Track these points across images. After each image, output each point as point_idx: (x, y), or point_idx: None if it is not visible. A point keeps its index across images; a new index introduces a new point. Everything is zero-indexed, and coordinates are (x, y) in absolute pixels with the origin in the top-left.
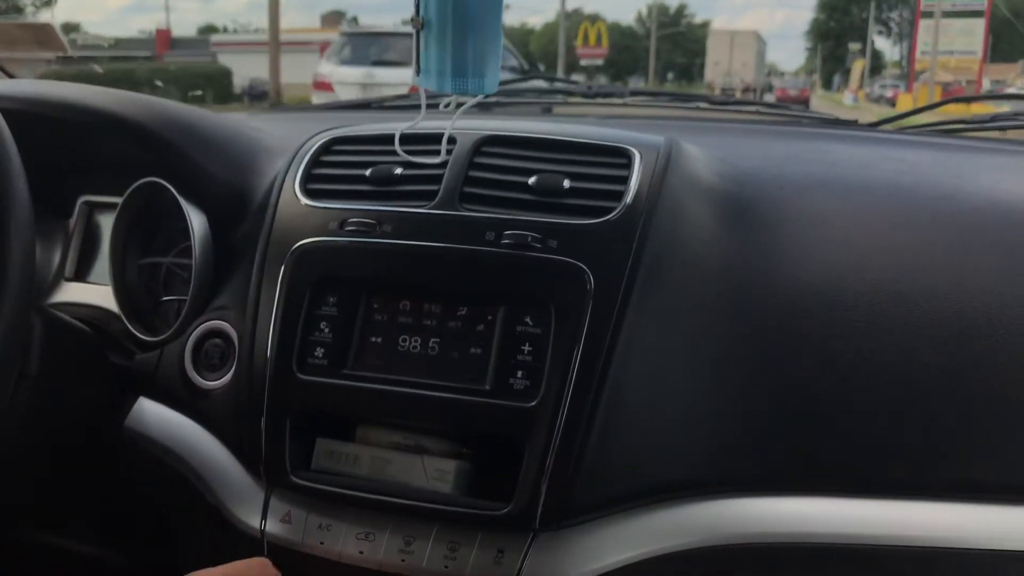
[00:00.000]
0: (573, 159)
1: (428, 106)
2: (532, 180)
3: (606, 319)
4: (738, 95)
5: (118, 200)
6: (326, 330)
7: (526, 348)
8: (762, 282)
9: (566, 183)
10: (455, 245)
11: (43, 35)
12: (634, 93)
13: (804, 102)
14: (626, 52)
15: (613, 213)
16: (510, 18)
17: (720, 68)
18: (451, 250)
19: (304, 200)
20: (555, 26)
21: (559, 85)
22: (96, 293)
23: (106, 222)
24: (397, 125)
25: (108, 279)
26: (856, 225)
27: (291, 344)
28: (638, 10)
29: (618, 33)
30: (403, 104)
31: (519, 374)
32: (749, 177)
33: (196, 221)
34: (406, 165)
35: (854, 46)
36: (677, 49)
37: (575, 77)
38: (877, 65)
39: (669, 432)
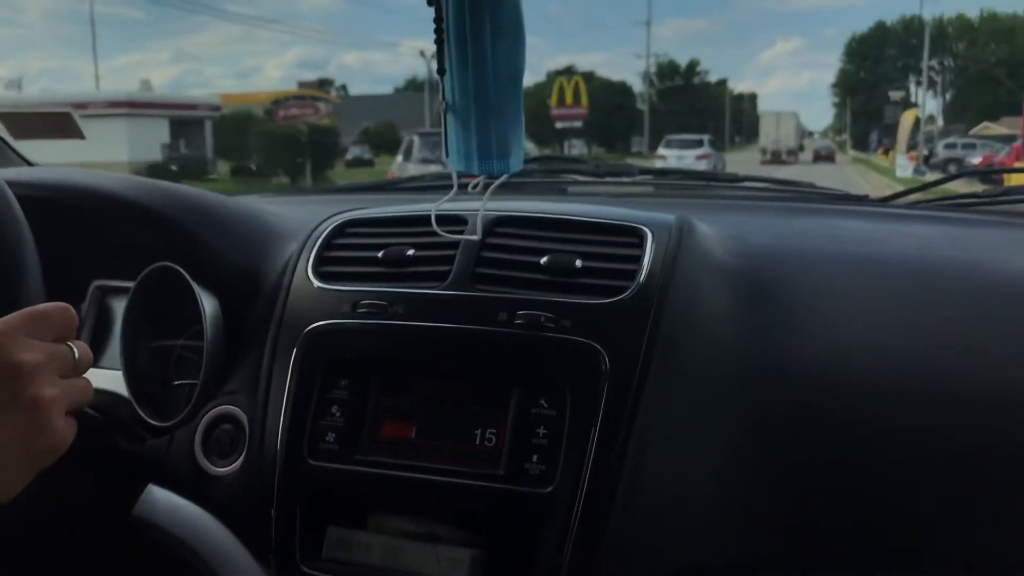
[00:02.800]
0: (585, 238)
1: (446, 187)
2: (544, 260)
3: (623, 401)
4: (784, 155)
5: (130, 284)
6: (337, 414)
7: (541, 431)
8: (778, 360)
9: (578, 263)
10: (468, 326)
11: (62, 123)
12: (643, 172)
13: (830, 158)
14: (617, 113)
15: (627, 292)
16: None
17: (769, 138)
18: (463, 331)
19: (316, 283)
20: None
21: (573, 165)
22: (107, 377)
23: (118, 306)
24: (418, 207)
25: (119, 363)
26: (869, 301)
27: (302, 429)
28: (647, 65)
29: (608, 91)
30: (417, 186)
31: (534, 458)
32: (761, 254)
33: (208, 305)
34: (418, 246)
35: (895, 94)
36: (689, 110)
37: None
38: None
39: (693, 514)
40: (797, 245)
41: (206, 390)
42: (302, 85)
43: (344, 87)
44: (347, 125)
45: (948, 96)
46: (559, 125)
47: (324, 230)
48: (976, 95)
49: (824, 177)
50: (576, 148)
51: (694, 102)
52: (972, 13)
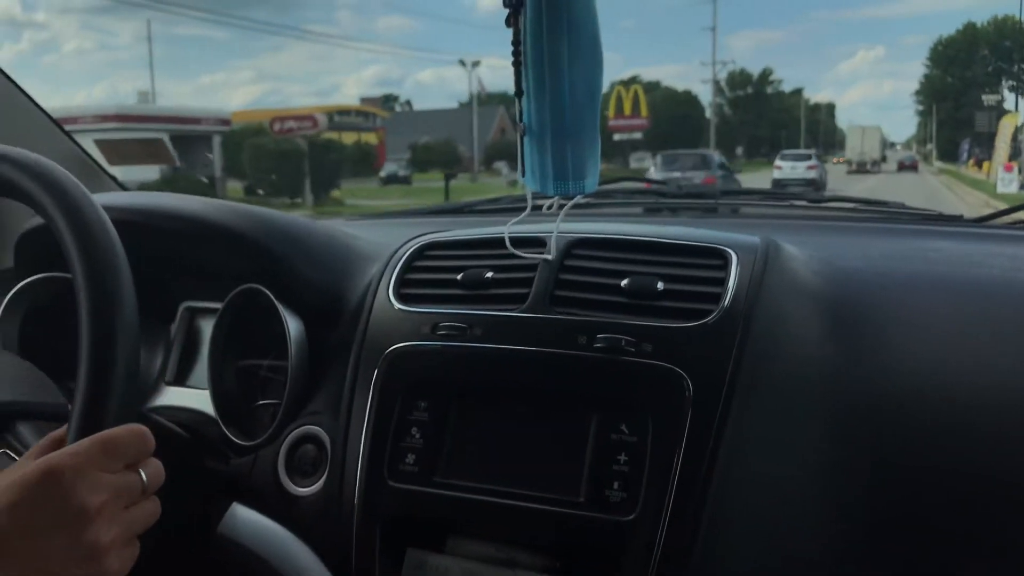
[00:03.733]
0: (666, 260)
1: (522, 208)
2: (624, 282)
3: (707, 427)
4: (869, 166)
5: (218, 305)
6: (417, 436)
7: (622, 457)
8: (868, 387)
9: (660, 285)
10: (547, 349)
11: (155, 149)
12: (725, 193)
13: (913, 168)
14: (682, 123)
15: (711, 316)
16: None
17: (855, 150)
18: (543, 354)
19: (397, 305)
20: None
21: (653, 187)
22: (194, 397)
23: (206, 327)
24: (496, 229)
25: (206, 383)
26: (966, 326)
27: (383, 450)
28: (712, 72)
29: (673, 101)
30: (497, 207)
31: (615, 485)
32: (850, 277)
33: (293, 326)
34: (497, 268)
35: (990, 98)
36: (760, 119)
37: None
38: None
39: (779, 545)
40: (887, 267)
41: (290, 410)
42: (364, 101)
43: (408, 102)
44: (401, 141)
45: None
46: (617, 137)
47: (404, 253)
48: None
49: (907, 187)
50: (640, 161)
51: (766, 112)
52: None
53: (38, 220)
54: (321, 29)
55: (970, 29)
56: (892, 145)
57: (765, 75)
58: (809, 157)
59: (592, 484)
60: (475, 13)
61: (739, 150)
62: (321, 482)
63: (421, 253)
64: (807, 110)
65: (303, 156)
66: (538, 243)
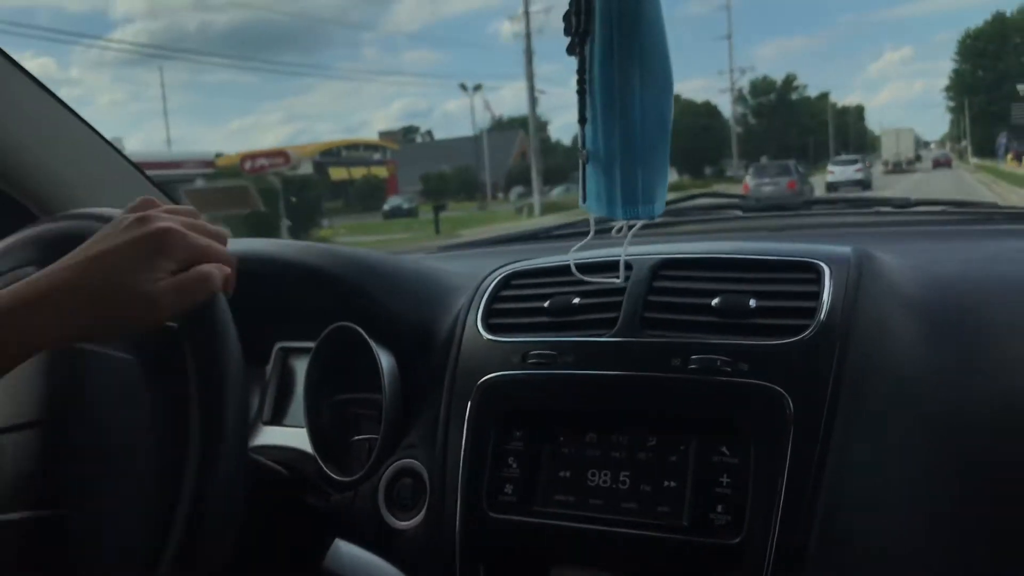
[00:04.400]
0: (756, 277)
1: (597, 231)
2: (715, 301)
3: (811, 445)
4: (904, 165)
5: (310, 345)
6: (514, 466)
7: (724, 480)
8: (977, 397)
9: (752, 302)
10: (640, 372)
11: (241, 196)
12: (808, 203)
13: (947, 164)
14: (704, 135)
15: (807, 332)
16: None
17: (891, 151)
18: (636, 378)
19: (486, 335)
20: None
21: (727, 200)
22: (291, 435)
23: (299, 366)
24: (570, 255)
25: (302, 421)
26: None
27: (480, 481)
28: (730, 82)
29: (692, 113)
30: (571, 232)
31: (719, 508)
32: (950, 283)
33: (385, 361)
34: (584, 294)
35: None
36: (787, 126)
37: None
38: None
39: (889, 566)
40: (984, 271)
41: (386, 445)
42: (383, 134)
43: (430, 132)
44: (416, 172)
45: None
46: None
47: (490, 283)
48: None
49: (943, 188)
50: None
51: (792, 118)
52: None
53: None
54: (348, 66)
55: (999, 20)
56: (926, 144)
57: (788, 81)
58: (856, 161)
59: (695, 507)
60: (500, 39)
61: (763, 159)
62: (421, 515)
63: (507, 283)
64: (835, 114)
65: (276, 194)
66: (616, 267)
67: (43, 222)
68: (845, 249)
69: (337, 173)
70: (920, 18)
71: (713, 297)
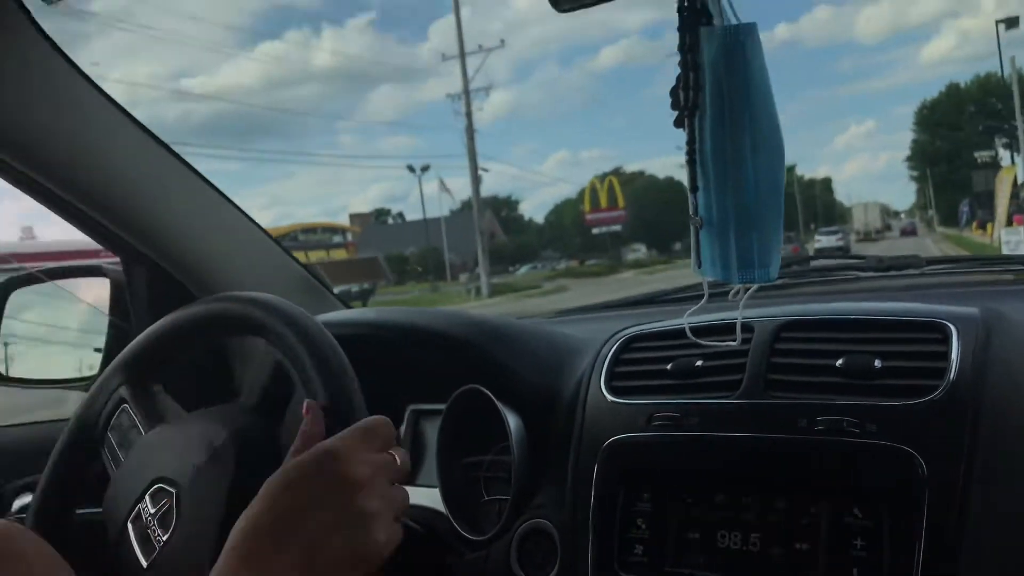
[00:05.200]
0: (881, 337)
1: (711, 295)
2: (839, 362)
3: (948, 507)
4: (873, 234)
5: (440, 407)
6: (643, 526)
7: (858, 543)
8: None
9: (877, 363)
10: (766, 434)
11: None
12: (931, 262)
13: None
14: (669, 209)
15: (937, 392)
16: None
17: (860, 222)
18: (762, 440)
19: (610, 397)
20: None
21: (844, 262)
22: (425, 495)
23: (429, 427)
24: (688, 319)
25: (435, 480)
26: None
27: (610, 541)
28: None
29: (655, 189)
30: (686, 296)
31: (855, 572)
32: None
33: (513, 423)
34: (707, 356)
35: (983, 155)
36: None
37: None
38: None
39: None
40: None
41: (516, 505)
42: (353, 217)
43: (401, 214)
44: (381, 253)
45: None
46: (596, 231)
47: (612, 346)
48: None
49: (905, 250)
50: (636, 252)
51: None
52: None
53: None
54: (327, 153)
55: (954, 90)
56: (896, 214)
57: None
58: (837, 231)
59: (830, 571)
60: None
61: None
62: (553, 574)
63: (628, 346)
64: (802, 186)
65: None
66: (744, 329)
67: (204, 302)
68: (972, 310)
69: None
70: (882, 92)
71: (837, 358)
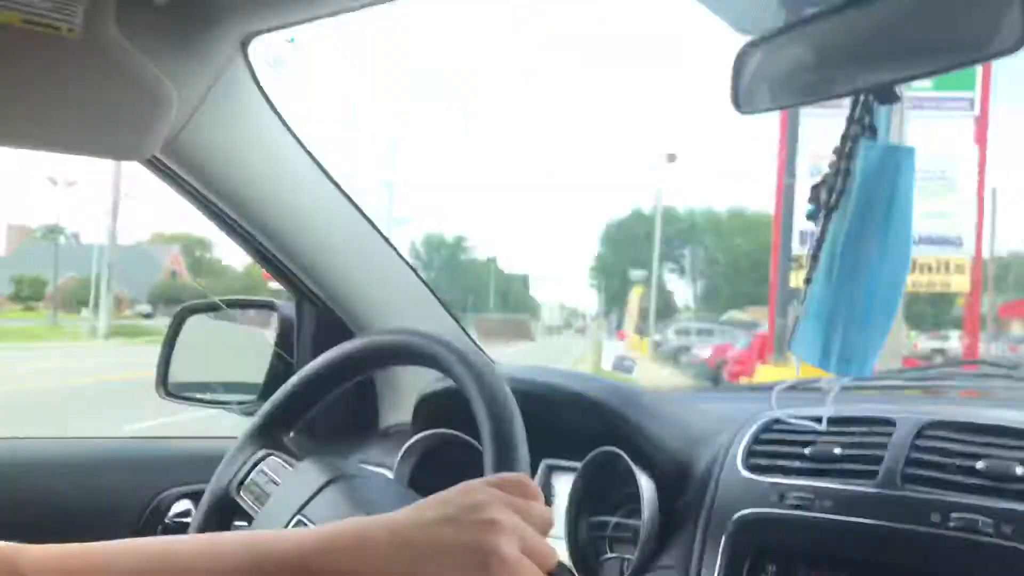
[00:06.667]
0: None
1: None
2: (980, 465)
3: None
4: (560, 330)
5: (572, 464)
6: None
7: None
8: None
9: (1019, 469)
10: (899, 524)
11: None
12: None
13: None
14: None
15: None
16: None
17: (549, 318)
18: (894, 530)
19: (745, 473)
20: None
21: (987, 369)
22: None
23: (559, 482)
24: (834, 408)
25: (562, 533)
26: None
27: None
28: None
29: None
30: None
31: None
32: None
33: (646, 486)
34: (845, 446)
35: (637, 273)
36: (456, 285)
37: None
38: (669, 308)
39: None
40: None
41: (641, 564)
42: (12, 228)
43: (76, 235)
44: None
45: (699, 285)
46: None
47: (753, 425)
48: (725, 284)
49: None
50: None
51: (461, 277)
52: (720, 208)
53: (437, 386)
54: None
55: (637, 214)
56: (583, 316)
57: (459, 241)
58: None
59: None
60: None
61: None
62: None
63: (768, 427)
64: (501, 279)
65: None
66: (878, 423)
67: (367, 336)
68: None
69: None
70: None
71: (977, 460)
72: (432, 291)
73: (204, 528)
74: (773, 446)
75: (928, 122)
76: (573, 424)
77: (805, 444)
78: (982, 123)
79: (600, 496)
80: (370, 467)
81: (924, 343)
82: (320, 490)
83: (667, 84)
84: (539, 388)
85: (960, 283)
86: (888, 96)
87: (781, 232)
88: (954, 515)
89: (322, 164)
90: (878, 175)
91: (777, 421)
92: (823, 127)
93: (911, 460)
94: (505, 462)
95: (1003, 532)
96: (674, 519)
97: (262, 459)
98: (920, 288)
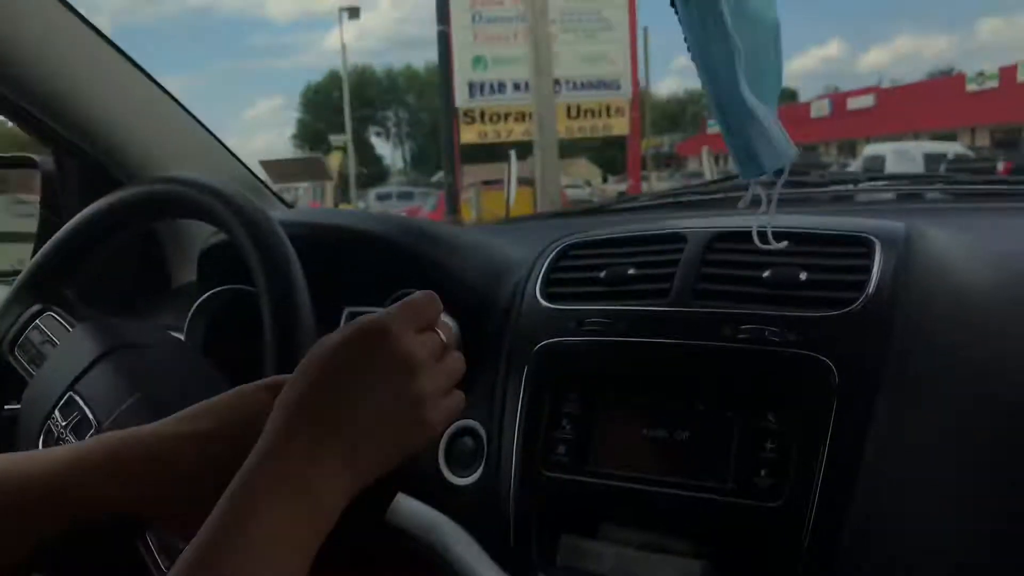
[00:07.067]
0: (808, 251)
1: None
2: (766, 274)
3: (853, 415)
4: None
5: (378, 309)
6: (568, 428)
7: (768, 446)
8: (1012, 378)
9: (802, 275)
10: (691, 341)
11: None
12: (871, 178)
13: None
14: None
15: (855, 304)
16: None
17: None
18: (687, 346)
19: (544, 302)
20: None
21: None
22: None
23: None
24: (632, 227)
25: None
26: None
27: (536, 442)
28: None
29: None
30: (628, 206)
31: (762, 472)
32: (999, 261)
33: (449, 324)
34: (638, 265)
35: (337, 139)
36: None
37: None
38: (380, 172)
39: (927, 542)
40: None
41: None
42: None
43: None
44: None
45: (408, 148)
46: None
47: (550, 253)
48: (432, 145)
49: None
50: None
51: None
52: (419, 65)
53: (216, 238)
54: None
55: (335, 77)
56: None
57: None
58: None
59: (740, 471)
60: None
61: None
62: (479, 473)
63: (565, 253)
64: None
65: None
66: (678, 239)
67: (133, 186)
68: (898, 225)
69: None
70: (292, 70)
71: (765, 269)
72: (214, 135)
73: None
74: (570, 273)
75: None
76: (370, 267)
77: (601, 268)
78: None
79: None
80: (164, 332)
81: (613, 185)
82: (95, 363)
83: None
84: (329, 232)
85: (620, 125)
86: None
87: (442, 85)
88: (743, 327)
89: (68, 2)
90: None
91: (574, 246)
92: None
93: (702, 275)
94: (284, 316)
95: (788, 339)
96: (479, 356)
97: (37, 314)
98: (585, 133)
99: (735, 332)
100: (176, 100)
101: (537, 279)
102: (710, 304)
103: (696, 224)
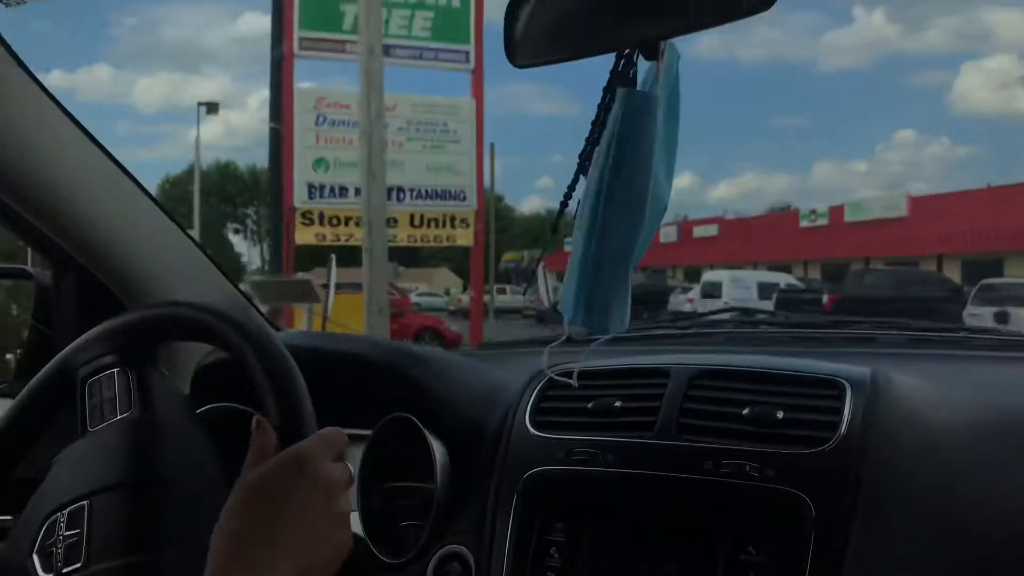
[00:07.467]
0: (785, 391)
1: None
2: (746, 411)
3: (829, 547)
4: None
5: (365, 432)
6: (556, 556)
7: None
8: (985, 515)
9: (780, 414)
10: (675, 474)
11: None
12: (834, 323)
13: None
14: None
15: (828, 443)
16: None
17: None
18: (671, 479)
19: (533, 431)
20: None
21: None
22: None
23: (354, 452)
24: (619, 360)
25: (354, 504)
26: None
27: (524, 569)
28: None
29: None
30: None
31: None
32: (970, 408)
33: (439, 452)
34: (625, 398)
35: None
36: None
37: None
38: (236, 270)
39: None
40: (996, 397)
41: (435, 530)
42: None
43: None
44: None
45: (267, 246)
46: None
47: (539, 383)
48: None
49: None
50: None
51: None
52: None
53: (212, 357)
54: None
55: (193, 171)
56: None
57: None
58: None
59: None
60: None
61: None
62: None
63: (553, 383)
64: None
65: None
66: (657, 375)
67: (141, 309)
68: (864, 370)
69: None
70: (151, 160)
71: (745, 407)
72: (207, 254)
73: None
74: (559, 402)
75: (430, 73)
76: (363, 390)
77: (589, 399)
78: (477, 75)
79: (395, 463)
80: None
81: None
82: (120, 487)
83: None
84: (324, 355)
85: (465, 236)
86: (652, 52)
87: (272, 183)
88: (725, 461)
89: (78, 119)
90: (623, 121)
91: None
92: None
93: (685, 410)
94: (292, 438)
95: (767, 475)
96: (469, 482)
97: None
98: (428, 242)
99: (717, 466)
100: (175, 220)
101: (527, 408)
102: (693, 438)
103: (680, 360)
